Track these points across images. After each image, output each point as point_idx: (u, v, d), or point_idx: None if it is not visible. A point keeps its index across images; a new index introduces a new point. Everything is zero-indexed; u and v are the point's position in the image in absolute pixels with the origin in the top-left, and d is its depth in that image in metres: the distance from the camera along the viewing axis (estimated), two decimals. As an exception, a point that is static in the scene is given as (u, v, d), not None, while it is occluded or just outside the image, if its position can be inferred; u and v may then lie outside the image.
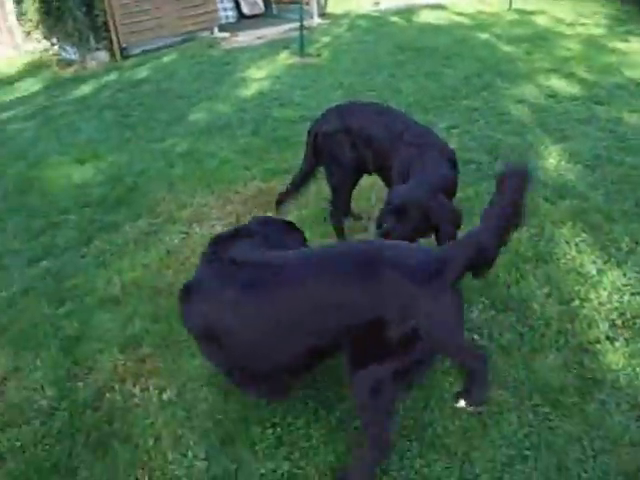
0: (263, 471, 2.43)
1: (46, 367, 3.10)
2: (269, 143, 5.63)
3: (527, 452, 2.42)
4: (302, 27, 8.88)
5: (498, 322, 3.12)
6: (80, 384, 2.98)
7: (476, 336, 3.02)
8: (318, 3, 12.19)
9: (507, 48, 8.65)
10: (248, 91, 7.49)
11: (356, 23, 11.33)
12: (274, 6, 13.62)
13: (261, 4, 13.46)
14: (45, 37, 10.96)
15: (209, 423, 2.66)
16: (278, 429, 2.59)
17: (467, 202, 4.21)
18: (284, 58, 9.02)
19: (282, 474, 2.41)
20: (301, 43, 8.93)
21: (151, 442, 2.60)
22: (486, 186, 4.44)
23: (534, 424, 2.53)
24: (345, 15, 12.21)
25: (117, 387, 2.91)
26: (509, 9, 11.44)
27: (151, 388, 2.88)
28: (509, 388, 2.71)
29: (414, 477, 2.36)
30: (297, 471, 2.42)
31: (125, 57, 10.45)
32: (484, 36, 9.48)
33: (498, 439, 2.48)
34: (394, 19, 11.45)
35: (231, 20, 12.99)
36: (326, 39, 10.11)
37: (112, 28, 10.34)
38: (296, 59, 8.84)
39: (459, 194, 4.25)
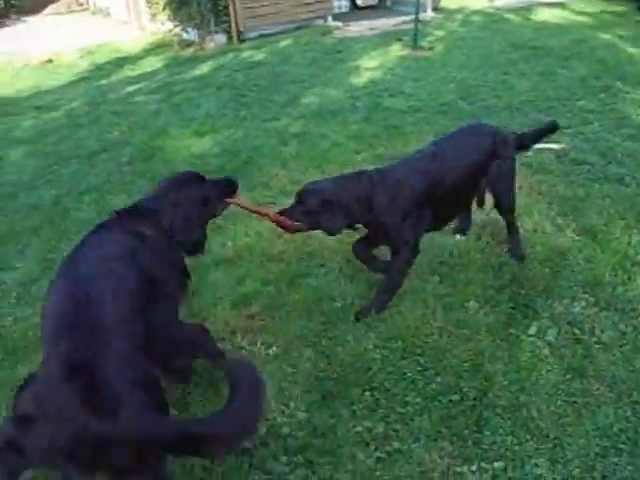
0: (360, 429, 2.58)
1: (164, 314, 3.40)
2: (380, 130, 5.77)
3: (623, 446, 2.43)
4: (417, 20, 8.92)
5: (600, 319, 3.10)
6: (194, 332, 3.25)
7: (577, 330, 3.03)
8: (433, -3, 12.17)
9: (632, 50, 8.27)
10: (360, 79, 7.67)
11: (470, 19, 11.22)
12: (388, -2, 13.72)
13: (375, -5, 13.59)
14: (169, 19, 11.62)
15: (311, 380, 2.84)
16: (376, 393, 2.74)
17: (578, 202, 4.18)
18: (396, 50, 9.12)
19: (377, 434, 2.55)
20: (415, 35, 8.98)
21: (257, 390, 2.82)
22: (598, 188, 4.38)
23: (632, 420, 2.53)
24: (459, 10, 12.11)
25: (227, 338, 3.15)
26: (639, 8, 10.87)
27: (259, 343, 3.09)
28: (607, 383, 2.71)
29: (505, 453, 2.43)
30: (392, 433, 2.56)
31: (242, 40, 10.92)
32: (606, 37, 9.11)
33: (593, 430, 2.50)
34: (509, 16, 11.23)
35: (344, 10, 13.23)
36: (439, 33, 10.09)
37: (232, 12, 10.82)
38: (408, 51, 8.91)
39: (569, 193, 4.27)
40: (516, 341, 2.99)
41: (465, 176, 3.29)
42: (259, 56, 9.55)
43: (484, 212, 3.98)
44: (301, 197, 3.00)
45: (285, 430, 2.61)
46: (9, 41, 15.11)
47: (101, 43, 12.95)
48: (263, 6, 11.24)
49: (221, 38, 11.11)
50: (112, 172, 5.48)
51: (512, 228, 3.64)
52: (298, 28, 11.52)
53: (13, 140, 6.92)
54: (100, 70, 10.50)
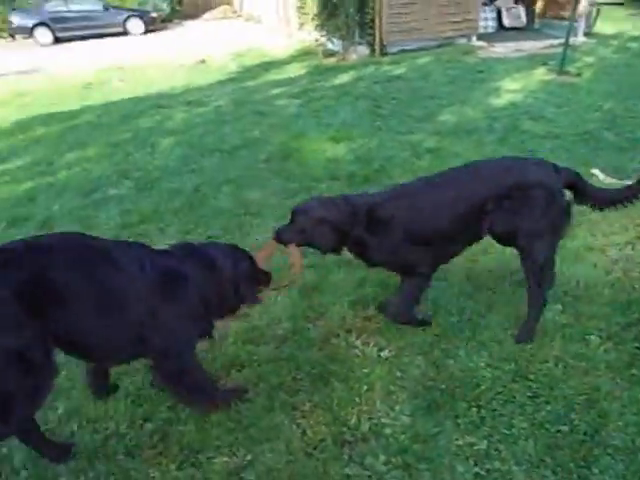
0: (461, 442, 2.59)
1: (285, 304, 3.60)
2: (515, 153, 5.63)
3: None
4: (567, 44, 8.64)
5: None
6: (311, 325, 3.41)
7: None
8: (586, 21, 11.69)
9: None
10: (499, 101, 7.57)
11: (626, 45, 10.68)
12: (537, 20, 13.35)
13: (523, 17, 13.31)
14: (316, 29, 12.09)
15: (419, 387, 2.89)
16: (482, 410, 2.73)
17: None
18: (541, 73, 8.89)
19: (478, 450, 2.54)
20: (562, 60, 8.70)
21: (364, 388, 2.91)
22: None
23: None
24: (615, 36, 11.56)
25: (342, 336, 3.28)
26: None
27: (371, 344, 3.19)
28: None
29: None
30: (493, 452, 2.54)
31: (383, 54, 11.13)
32: None
33: None
34: (675, 44, 10.55)
35: (490, 30, 13.06)
36: (589, 59, 9.70)
37: (377, 26, 11.06)
38: (554, 76, 8.66)
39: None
40: (639, 382, 2.85)
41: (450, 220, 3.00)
42: (399, 70, 9.70)
43: (617, 247, 3.83)
44: (293, 216, 3.05)
45: (387, 431, 2.67)
46: (169, 43, 16.48)
47: (250, 47, 13.77)
48: (408, 22, 11.39)
49: (364, 50, 11.39)
50: (250, 168, 5.85)
51: (532, 294, 3.10)
52: (440, 45, 11.54)
53: (165, 130, 7.57)
54: (247, 72, 11.14)
